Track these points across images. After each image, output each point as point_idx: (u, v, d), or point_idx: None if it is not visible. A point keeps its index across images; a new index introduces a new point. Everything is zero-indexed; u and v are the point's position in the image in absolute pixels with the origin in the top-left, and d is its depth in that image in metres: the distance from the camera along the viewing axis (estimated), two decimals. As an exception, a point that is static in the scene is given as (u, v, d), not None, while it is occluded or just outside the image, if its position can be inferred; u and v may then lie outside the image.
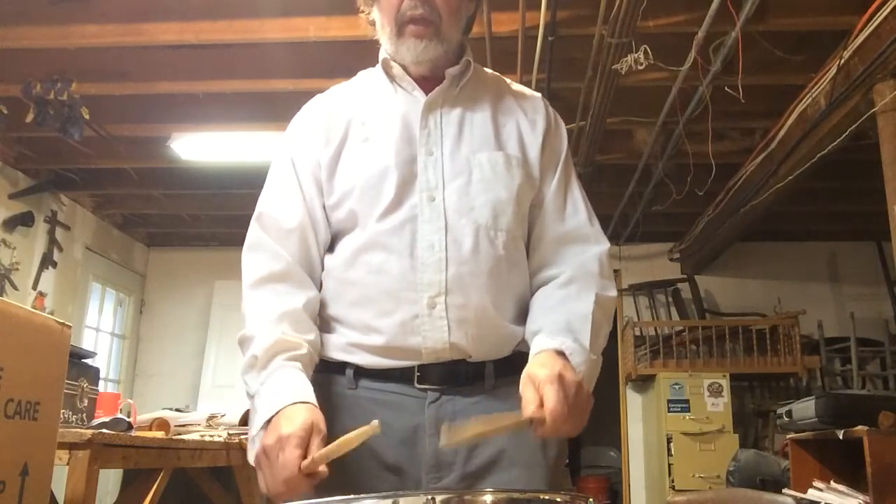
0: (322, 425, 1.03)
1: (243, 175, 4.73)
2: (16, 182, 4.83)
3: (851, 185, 4.78)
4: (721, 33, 3.01)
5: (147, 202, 5.60)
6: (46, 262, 5.10)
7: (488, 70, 1.37)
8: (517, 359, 1.15)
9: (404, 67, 1.26)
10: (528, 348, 1.15)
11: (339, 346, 1.18)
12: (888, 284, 5.73)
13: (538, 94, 1.35)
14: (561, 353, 1.08)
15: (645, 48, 2.89)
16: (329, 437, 1.07)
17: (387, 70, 1.28)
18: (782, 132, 3.65)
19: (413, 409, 1.14)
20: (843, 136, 3.25)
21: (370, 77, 1.32)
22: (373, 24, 1.29)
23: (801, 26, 3.16)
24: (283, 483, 0.99)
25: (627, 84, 3.33)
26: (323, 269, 1.24)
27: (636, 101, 3.75)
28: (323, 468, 0.99)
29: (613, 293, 1.22)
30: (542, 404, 1.00)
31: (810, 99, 3.33)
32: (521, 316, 1.21)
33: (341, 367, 1.18)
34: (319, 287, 1.23)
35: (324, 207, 1.23)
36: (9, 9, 3.15)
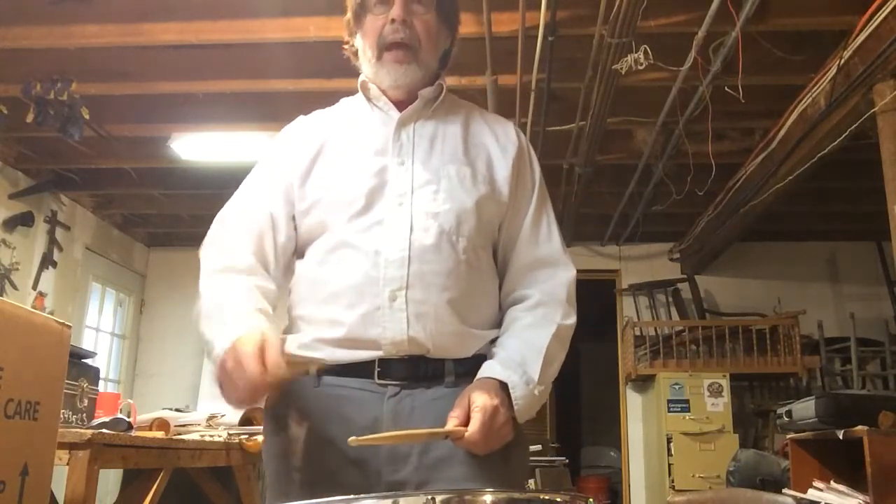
0: (274, 337, 1.12)
1: (243, 175, 4.66)
2: (16, 182, 4.83)
3: (851, 185, 4.78)
4: (721, 33, 3.01)
5: (147, 202, 5.60)
6: (46, 262, 5.10)
7: (462, 101, 1.45)
8: (478, 360, 1.23)
9: (382, 91, 1.33)
10: (489, 355, 1.24)
11: (305, 344, 1.23)
12: (888, 284, 5.73)
13: (511, 122, 1.43)
14: (505, 387, 1.16)
15: (645, 48, 2.89)
16: (293, 435, 1.20)
17: (364, 91, 1.36)
18: (782, 132, 3.65)
19: (373, 404, 1.19)
20: (843, 136, 3.25)
21: (350, 102, 1.41)
22: (355, 54, 1.37)
23: (801, 26, 3.16)
24: (247, 384, 1.06)
25: (627, 84, 3.33)
26: (289, 275, 1.31)
27: (636, 101, 3.74)
28: (282, 369, 1.07)
29: (573, 320, 1.29)
30: (464, 424, 1.11)
31: (810, 99, 3.33)
32: (485, 322, 1.27)
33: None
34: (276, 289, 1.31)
35: (292, 218, 1.30)
36: (9, 9, 3.15)
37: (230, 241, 1.30)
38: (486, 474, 1.14)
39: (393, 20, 1.27)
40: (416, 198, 1.25)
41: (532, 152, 1.40)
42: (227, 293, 1.22)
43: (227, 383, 1.10)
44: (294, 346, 1.24)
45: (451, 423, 1.11)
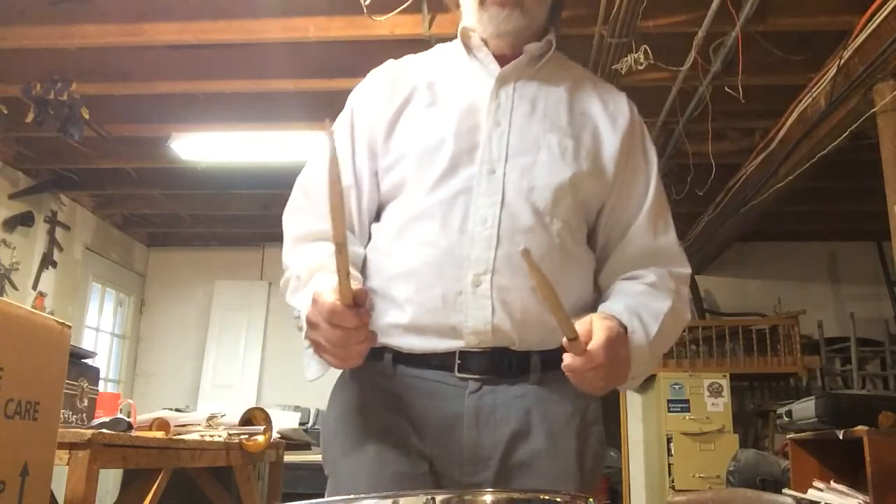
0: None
1: (243, 175, 4.73)
2: (16, 182, 4.83)
3: (851, 185, 4.78)
4: (721, 33, 3.01)
5: (147, 202, 5.60)
6: (46, 262, 5.10)
7: (572, 62, 1.31)
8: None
9: (485, 42, 1.20)
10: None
11: (379, 329, 1.11)
12: (888, 284, 5.73)
13: (623, 94, 1.28)
14: (625, 329, 1.05)
15: (645, 48, 2.89)
16: (363, 425, 1.10)
17: (464, 39, 1.22)
18: (782, 132, 3.65)
19: (452, 399, 1.09)
20: (843, 136, 3.25)
21: (446, 49, 1.27)
22: (456, 3, 1.25)
23: (801, 26, 3.16)
24: (328, 318, 0.95)
25: (627, 84, 3.32)
26: (369, 239, 1.19)
27: (636, 101, 3.69)
28: (358, 286, 0.97)
29: (689, 316, 1.18)
30: (588, 340, 0.98)
31: (810, 99, 3.33)
32: (573, 311, 1.11)
33: (380, 351, 1.12)
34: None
35: (375, 174, 1.19)
36: (9, 9, 3.15)
37: (312, 205, 1.16)
38: (565, 487, 1.05)
39: None
40: (509, 168, 1.11)
41: (645, 130, 1.25)
42: (312, 262, 1.10)
43: (319, 336, 0.99)
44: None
45: (577, 332, 0.98)
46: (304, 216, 1.18)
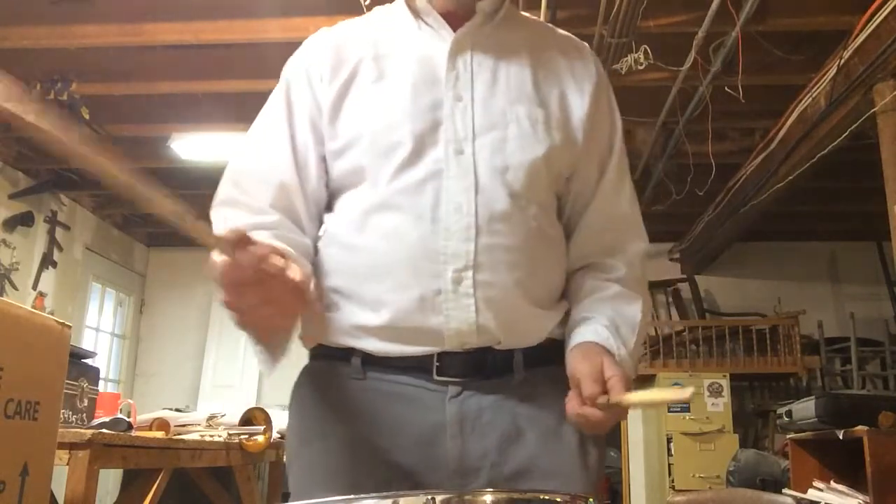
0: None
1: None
2: (16, 182, 4.83)
3: (851, 185, 4.78)
4: (721, 33, 3.01)
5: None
6: (46, 262, 5.10)
7: (527, 14, 1.21)
8: (548, 347, 1.03)
9: (430, 1, 1.09)
10: (562, 335, 1.05)
11: (344, 330, 1.01)
12: (888, 284, 5.73)
13: (586, 46, 1.18)
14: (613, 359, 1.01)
15: (645, 48, 2.90)
16: (331, 439, 1.00)
17: (409, 3, 1.10)
18: (782, 132, 3.66)
19: (431, 405, 0.99)
20: (843, 136, 3.25)
21: (389, 12, 1.14)
22: None
23: (801, 26, 3.16)
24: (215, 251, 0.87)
25: (627, 84, 3.33)
26: (320, 229, 1.07)
27: (636, 101, 3.75)
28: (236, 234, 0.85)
29: (650, 303, 1.18)
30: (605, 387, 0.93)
31: (810, 99, 3.34)
32: (555, 297, 1.07)
33: (346, 353, 1.02)
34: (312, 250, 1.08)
35: (322, 159, 1.06)
36: (9, 9, 3.15)
37: (246, 197, 1.04)
38: (571, 488, 0.97)
39: None
40: (478, 146, 1.00)
41: (610, 89, 1.16)
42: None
43: (224, 298, 0.87)
44: (330, 333, 1.02)
45: (591, 388, 0.93)
46: (236, 210, 1.04)
